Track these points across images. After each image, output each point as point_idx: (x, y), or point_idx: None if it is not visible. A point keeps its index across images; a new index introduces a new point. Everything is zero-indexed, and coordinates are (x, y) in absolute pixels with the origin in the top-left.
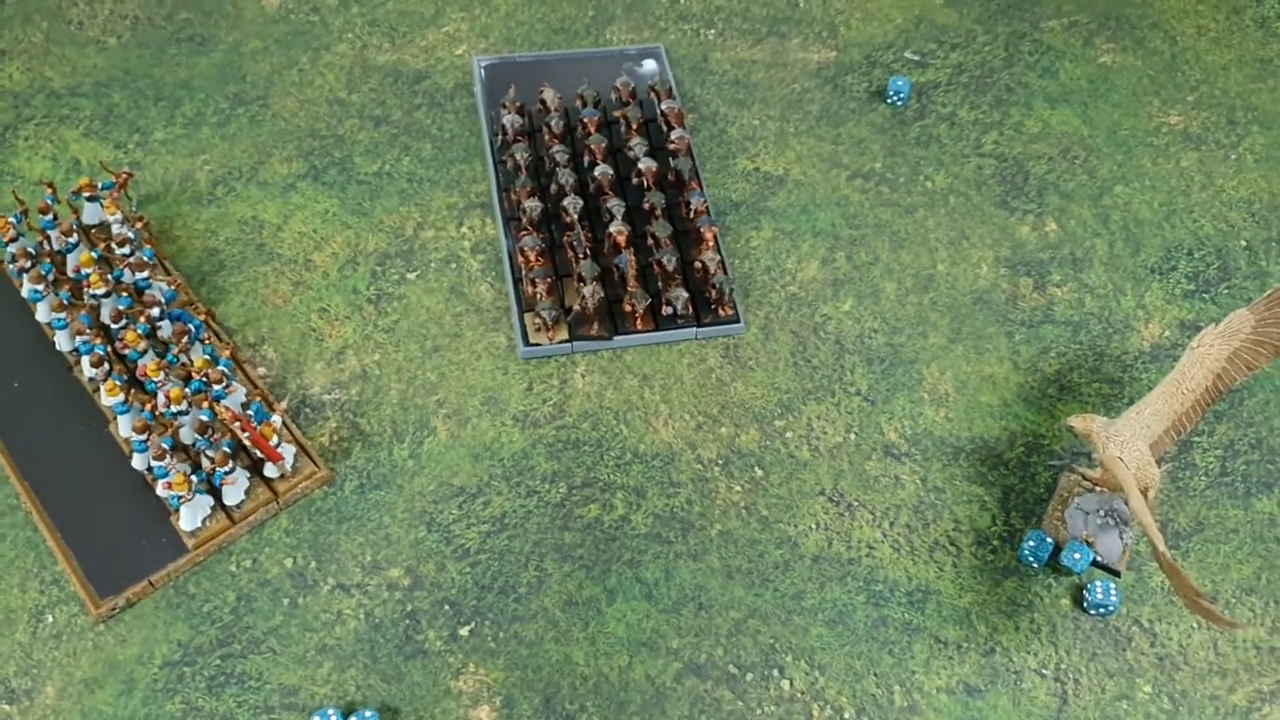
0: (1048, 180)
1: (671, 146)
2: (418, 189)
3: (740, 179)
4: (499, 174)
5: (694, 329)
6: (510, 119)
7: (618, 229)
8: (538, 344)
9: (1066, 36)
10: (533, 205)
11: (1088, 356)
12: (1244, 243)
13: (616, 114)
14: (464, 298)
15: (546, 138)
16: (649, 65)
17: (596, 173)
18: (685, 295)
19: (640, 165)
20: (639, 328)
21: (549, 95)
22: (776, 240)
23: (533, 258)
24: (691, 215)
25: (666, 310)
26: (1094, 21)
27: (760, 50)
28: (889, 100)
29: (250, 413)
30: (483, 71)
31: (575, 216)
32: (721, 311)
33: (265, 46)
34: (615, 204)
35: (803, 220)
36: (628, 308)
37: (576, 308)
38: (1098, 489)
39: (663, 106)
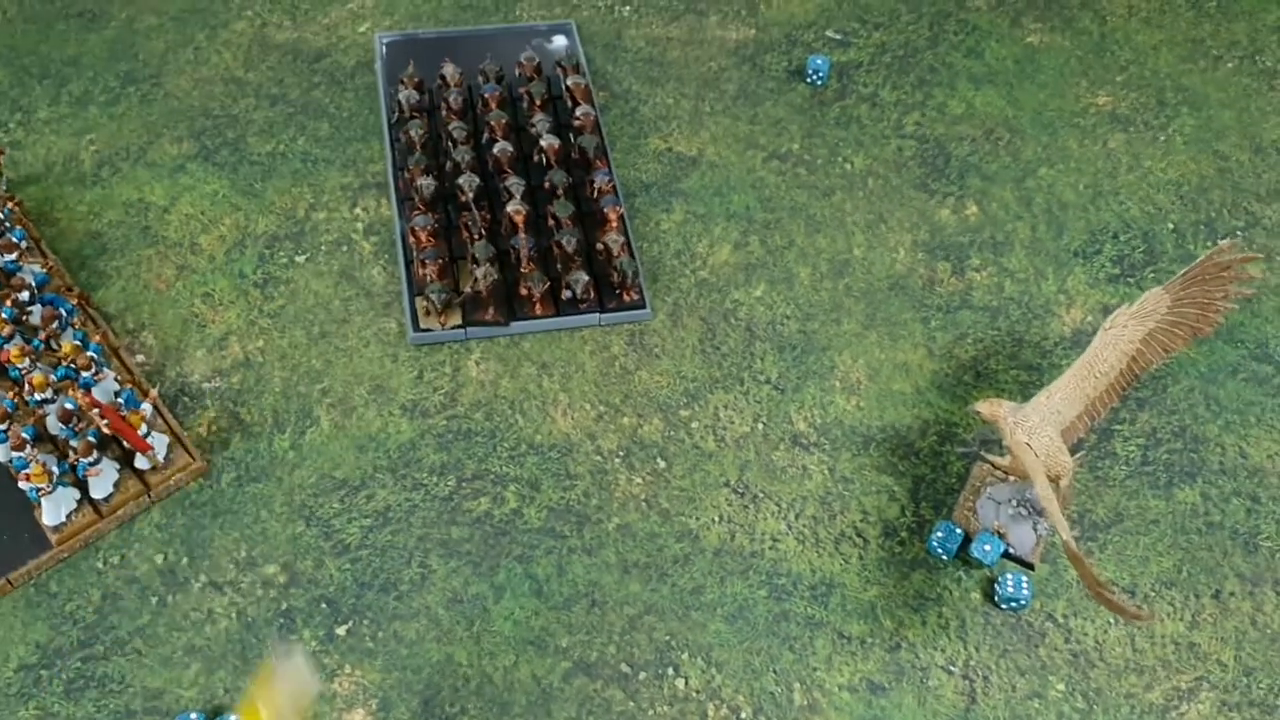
0: (970, 162)
1: (576, 123)
2: (312, 169)
3: (652, 159)
4: (394, 152)
5: (597, 315)
6: (407, 94)
7: (515, 208)
8: (428, 329)
9: (993, 16)
10: (426, 183)
11: (1006, 343)
12: (1171, 225)
13: (520, 90)
14: (354, 281)
15: (444, 114)
16: (559, 42)
17: (495, 150)
18: (586, 278)
19: (542, 142)
20: (538, 313)
21: (449, 70)
22: (688, 223)
23: (424, 237)
24: (596, 195)
25: (566, 294)
26: (1022, 1)
27: (677, 27)
28: (808, 80)
29: (120, 401)
30: (384, 49)
31: (471, 195)
32: (626, 296)
33: (160, 24)
34: (514, 182)
35: (716, 203)
36: (524, 291)
37: (468, 290)
38: (1010, 479)
39: (568, 82)
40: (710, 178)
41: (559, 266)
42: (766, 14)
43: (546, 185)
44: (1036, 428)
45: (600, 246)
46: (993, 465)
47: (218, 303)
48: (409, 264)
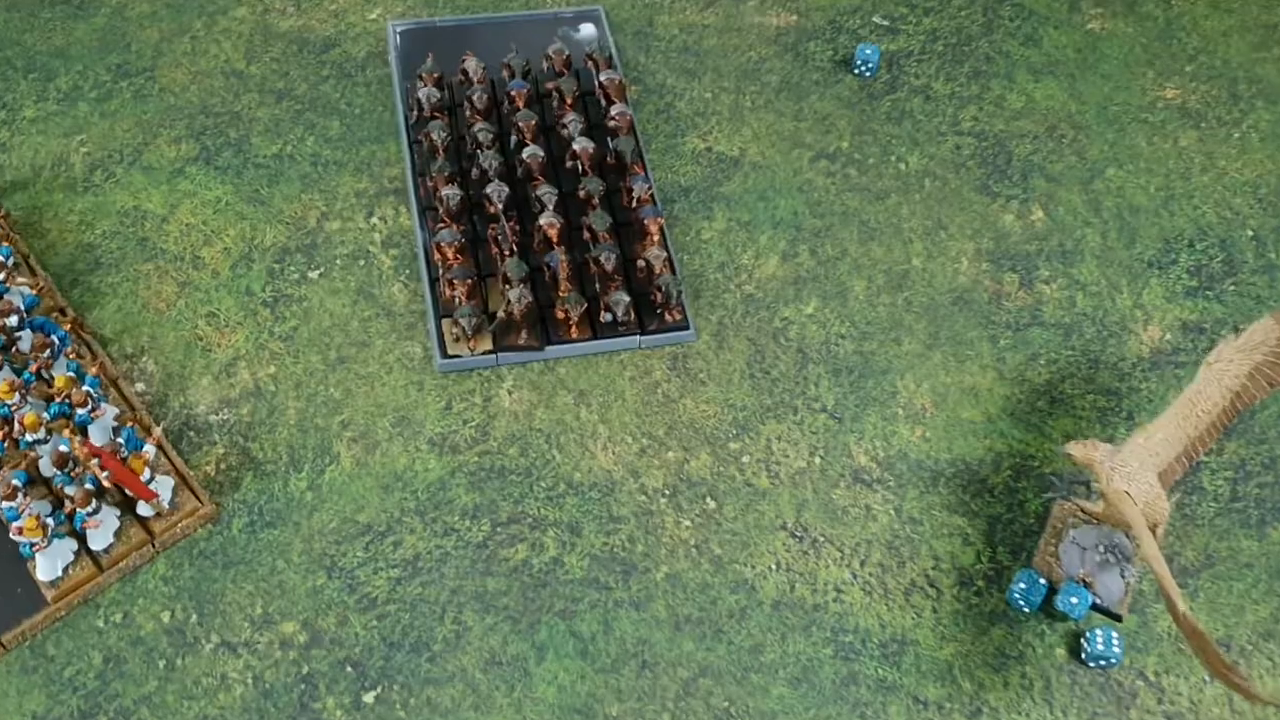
0: (1033, 162)
1: (611, 124)
2: (323, 173)
3: (690, 161)
4: (414, 156)
5: (637, 337)
6: (426, 92)
7: (548, 221)
8: (457, 355)
9: (1050, 0)
10: (451, 193)
11: (1081, 364)
12: (1250, 232)
13: (548, 86)
14: (374, 300)
15: (468, 114)
16: (587, 30)
17: (525, 155)
18: (627, 300)
19: (575, 146)
20: (574, 336)
21: (471, 65)
22: (731, 232)
23: (450, 254)
24: (634, 204)
25: (605, 317)
26: None
27: (713, 13)
28: (856, 71)
29: (120, 441)
30: (398, 38)
31: (500, 206)
32: (669, 317)
33: (154, 11)
34: (546, 191)
35: (760, 208)
36: (560, 314)
37: (501, 314)
38: (1097, 522)
39: (601, 77)
40: (754, 180)
41: (597, 286)
42: None
43: (581, 194)
44: (1135, 473)
45: (640, 263)
46: (1081, 510)
47: (224, 324)
48: (433, 281)
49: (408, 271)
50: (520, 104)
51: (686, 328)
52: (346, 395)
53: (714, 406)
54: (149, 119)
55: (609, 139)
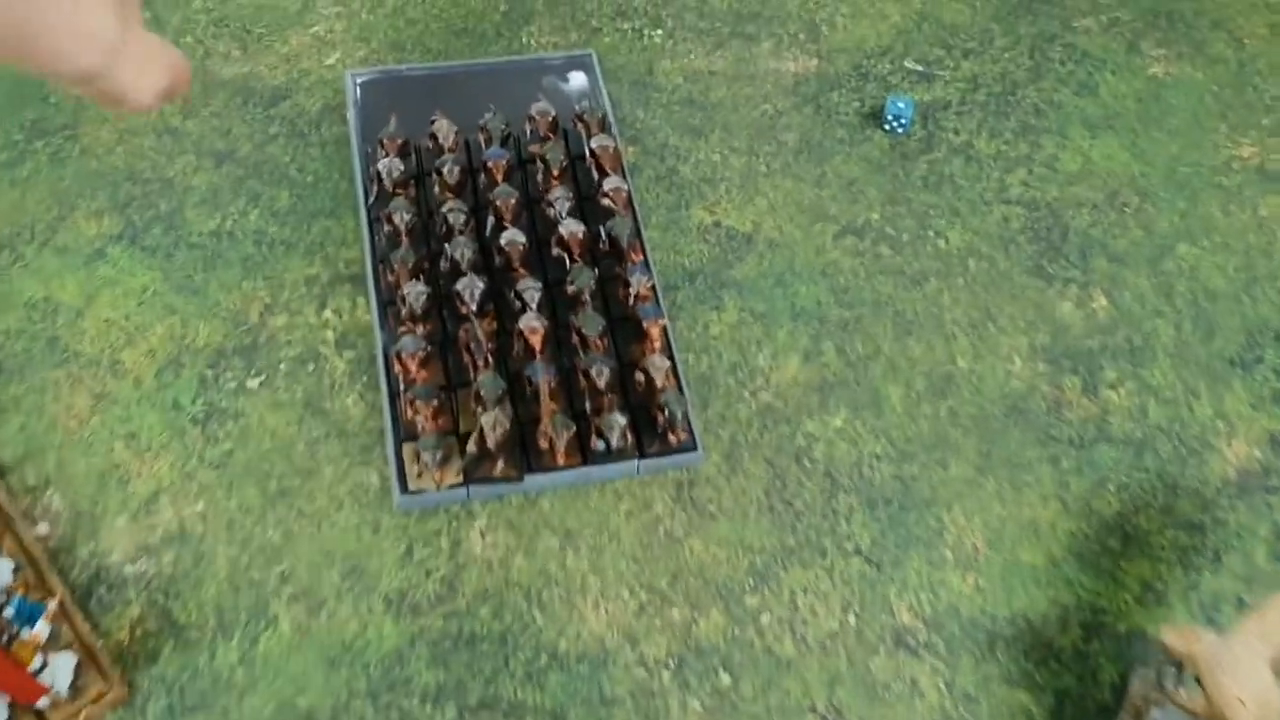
0: (1092, 237)
1: (605, 201)
2: (268, 255)
3: (696, 238)
4: (374, 236)
5: (635, 462)
6: (388, 164)
7: (531, 325)
8: (420, 490)
9: (1106, 40)
10: (416, 291)
11: (1157, 489)
12: None
13: (531, 151)
14: (324, 416)
15: (438, 190)
16: (577, 81)
17: (504, 241)
18: (623, 422)
19: (562, 230)
20: (560, 463)
21: (442, 129)
22: (744, 326)
23: (414, 367)
24: (631, 300)
25: (598, 445)
26: (1139, 20)
27: (721, 58)
28: (887, 127)
29: (7, 617)
30: (358, 90)
31: (474, 307)
32: (672, 438)
33: None
34: (528, 286)
35: (778, 296)
36: (544, 442)
37: (472, 447)
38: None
39: (593, 144)
40: (770, 261)
41: (587, 404)
42: (830, 39)
43: (570, 288)
44: (1249, 672)
45: (639, 375)
46: (1178, 706)
47: (145, 447)
48: (394, 394)
49: (365, 379)
50: (499, 177)
51: (693, 449)
52: (288, 539)
53: (727, 549)
54: (66, 188)
55: (602, 219)
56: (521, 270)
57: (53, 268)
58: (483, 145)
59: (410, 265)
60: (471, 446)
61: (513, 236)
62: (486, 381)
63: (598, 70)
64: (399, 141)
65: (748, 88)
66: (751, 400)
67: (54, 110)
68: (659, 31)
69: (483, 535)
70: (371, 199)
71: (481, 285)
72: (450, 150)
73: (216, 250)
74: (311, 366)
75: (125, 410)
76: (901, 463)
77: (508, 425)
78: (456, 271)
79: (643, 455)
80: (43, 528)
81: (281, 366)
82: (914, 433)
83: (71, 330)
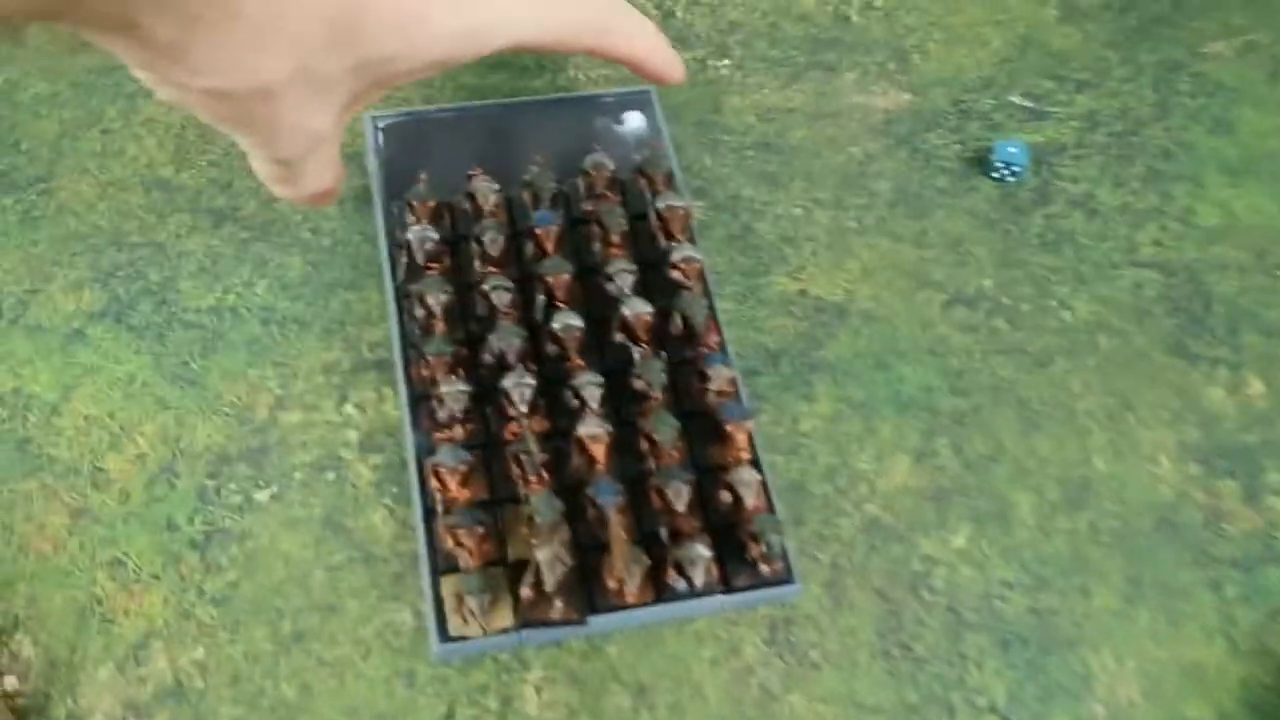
0: (1240, 306)
1: (676, 274)
2: (278, 337)
3: (778, 310)
4: (402, 316)
5: (719, 597)
6: (419, 234)
7: (592, 433)
8: (462, 637)
9: (1241, 67)
10: (455, 392)
11: None
12: None
13: (586, 212)
14: (346, 536)
15: (477, 262)
16: (633, 122)
17: (557, 327)
18: (708, 556)
19: (625, 310)
20: (629, 600)
21: (480, 188)
22: (841, 419)
23: (453, 485)
24: (709, 394)
25: (678, 583)
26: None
27: (799, 92)
28: (996, 174)
29: None
30: (380, 135)
31: (524, 408)
32: (765, 568)
33: (55, 93)
34: (587, 381)
35: (879, 382)
36: (613, 580)
37: (528, 591)
38: None
39: (660, 205)
40: (868, 338)
41: (662, 530)
42: (923, 69)
43: (637, 384)
44: None
45: (725, 494)
46: None
47: (133, 577)
48: (428, 511)
49: (394, 489)
50: (549, 246)
51: (790, 581)
52: (305, 695)
53: (835, 707)
54: (40, 254)
55: (673, 294)
56: (578, 361)
57: (23, 352)
58: (528, 205)
59: (447, 360)
60: (526, 590)
61: (568, 321)
62: (541, 505)
63: (657, 109)
64: (431, 205)
65: (831, 127)
66: (855, 513)
67: (25, 158)
68: (726, 62)
69: (538, 692)
70: (400, 275)
71: (532, 383)
72: (491, 214)
73: (217, 330)
74: (331, 475)
75: (109, 530)
76: (1037, 592)
77: (569, 562)
78: (501, 364)
79: (729, 589)
80: (10, 681)
81: (296, 475)
82: (1049, 553)
83: (45, 430)
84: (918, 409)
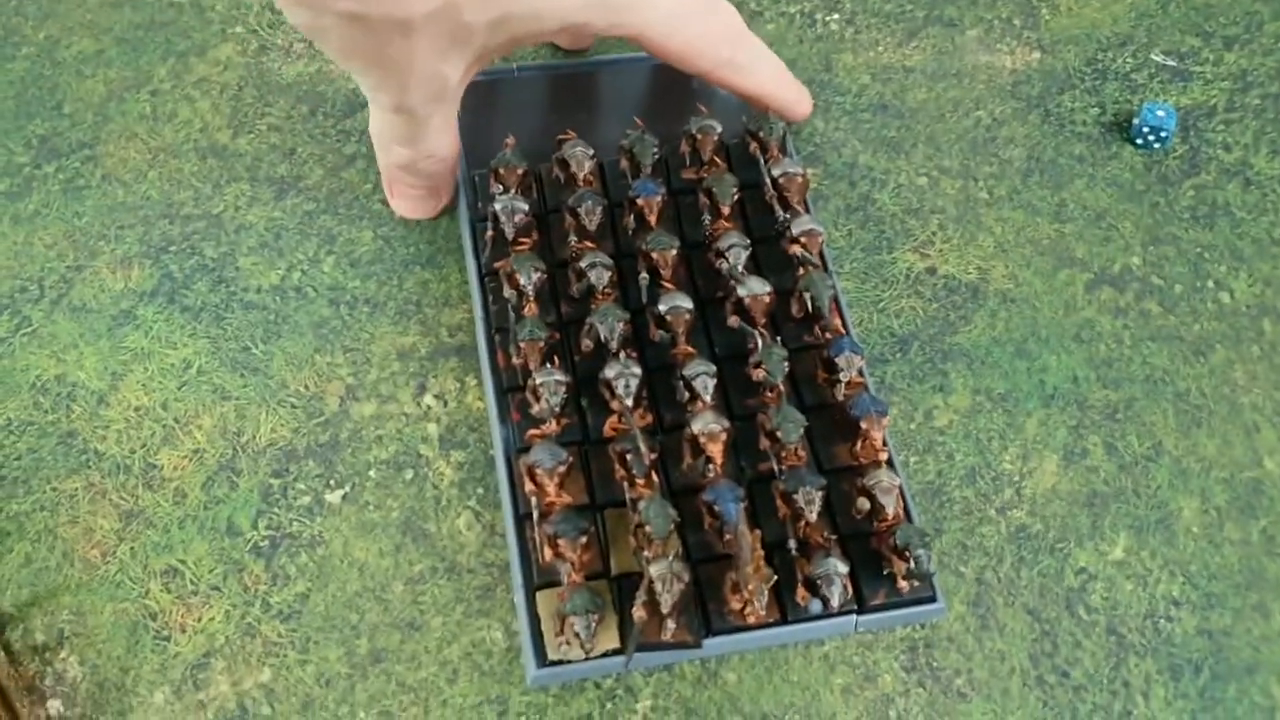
0: None
1: (796, 249)
2: (348, 319)
3: (904, 290)
4: (486, 298)
5: (853, 617)
6: (508, 204)
7: (709, 430)
8: (562, 661)
9: None
10: (552, 383)
11: None
12: None
13: (686, 177)
14: (429, 543)
15: (573, 237)
16: None
17: (664, 309)
18: (844, 572)
19: (742, 292)
20: (748, 620)
21: (575, 154)
22: (980, 414)
23: (551, 488)
24: (836, 384)
25: (812, 605)
26: None
27: (918, 49)
28: (1140, 140)
29: None
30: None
31: (629, 402)
32: (903, 583)
33: (100, 50)
34: (700, 371)
35: (1021, 371)
36: (737, 601)
37: (640, 612)
38: None
39: (777, 172)
40: (1006, 323)
41: (791, 543)
42: (1053, 24)
43: (756, 373)
44: None
45: (862, 499)
46: None
47: (191, 590)
48: (521, 516)
49: (480, 490)
50: (653, 219)
51: (932, 599)
52: None
53: None
54: (84, 227)
55: (793, 270)
56: (687, 347)
57: (66, 335)
58: (627, 173)
59: (540, 343)
60: (639, 611)
61: (676, 302)
62: (654, 513)
63: None
64: (519, 171)
65: (954, 89)
66: (999, 520)
67: (68, 123)
68: (835, 16)
69: None
70: (486, 250)
71: (638, 372)
72: (586, 183)
73: (280, 312)
74: (410, 474)
75: (164, 536)
76: (1208, 611)
77: (686, 580)
78: (600, 352)
79: (862, 609)
80: (54, 706)
81: (370, 474)
82: (1219, 566)
83: (91, 422)
84: (1065, 402)
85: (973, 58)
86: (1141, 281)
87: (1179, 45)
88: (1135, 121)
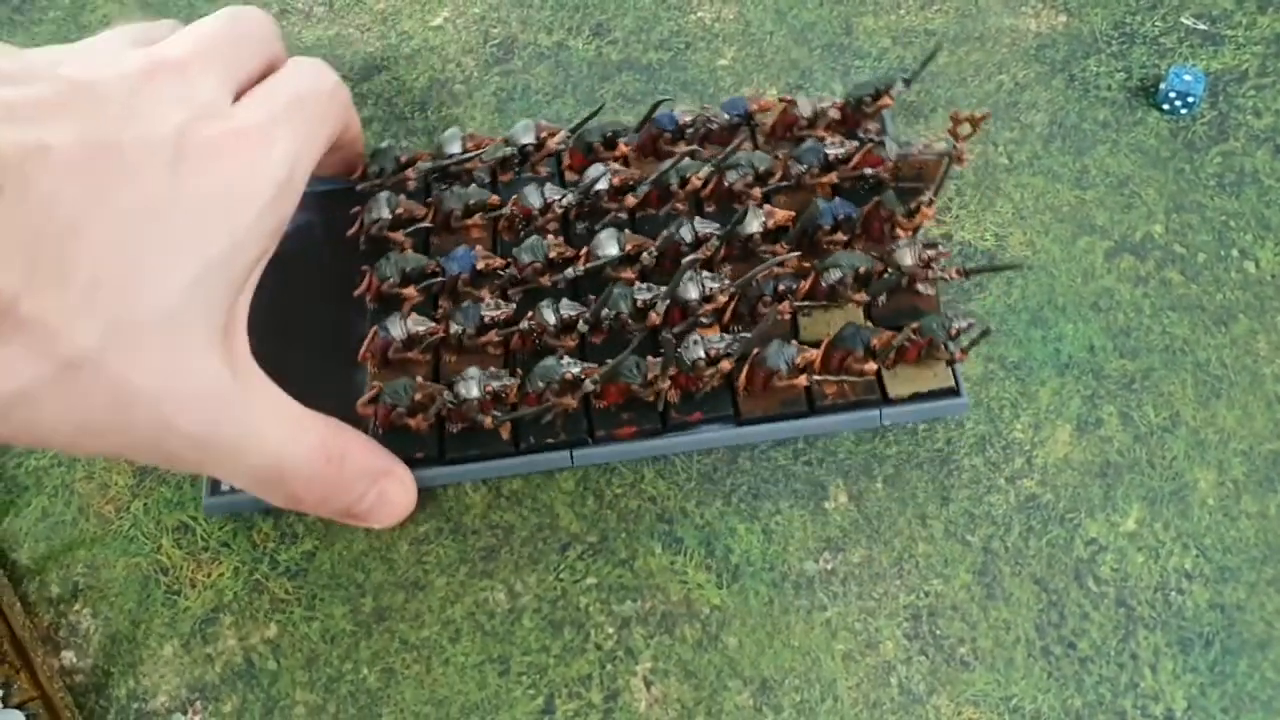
0: None
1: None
2: None
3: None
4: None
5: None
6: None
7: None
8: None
9: None
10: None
11: None
12: None
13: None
14: (434, 503)
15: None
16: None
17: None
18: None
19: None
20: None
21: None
22: (992, 382)
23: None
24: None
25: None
26: None
27: (939, 12)
28: (1166, 106)
29: None
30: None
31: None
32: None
33: (124, 14)
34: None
35: (1036, 339)
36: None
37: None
38: None
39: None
40: (1022, 291)
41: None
42: None
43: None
44: None
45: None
46: None
47: (202, 546)
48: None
49: None
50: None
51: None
52: (386, 681)
53: (987, 712)
54: None
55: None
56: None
57: None
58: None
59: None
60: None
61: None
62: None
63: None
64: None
65: (976, 52)
66: (1009, 489)
67: None
68: None
69: (647, 684)
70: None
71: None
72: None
73: None
74: None
75: (176, 493)
76: (1221, 584)
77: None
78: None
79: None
80: (68, 657)
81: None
82: (1233, 539)
83: None
84: (1080, 371)
85: (995, 20)
86: (1163, 250)
87: (1210, 8)
88: (1162, 86)
